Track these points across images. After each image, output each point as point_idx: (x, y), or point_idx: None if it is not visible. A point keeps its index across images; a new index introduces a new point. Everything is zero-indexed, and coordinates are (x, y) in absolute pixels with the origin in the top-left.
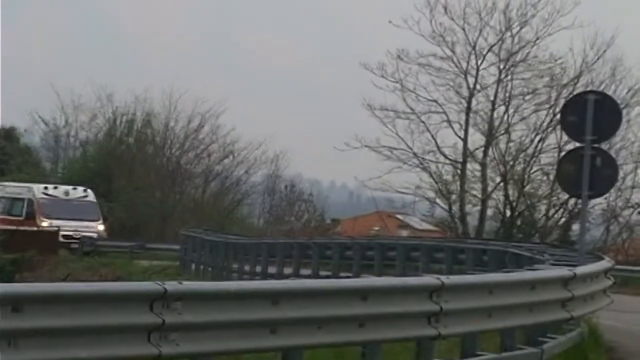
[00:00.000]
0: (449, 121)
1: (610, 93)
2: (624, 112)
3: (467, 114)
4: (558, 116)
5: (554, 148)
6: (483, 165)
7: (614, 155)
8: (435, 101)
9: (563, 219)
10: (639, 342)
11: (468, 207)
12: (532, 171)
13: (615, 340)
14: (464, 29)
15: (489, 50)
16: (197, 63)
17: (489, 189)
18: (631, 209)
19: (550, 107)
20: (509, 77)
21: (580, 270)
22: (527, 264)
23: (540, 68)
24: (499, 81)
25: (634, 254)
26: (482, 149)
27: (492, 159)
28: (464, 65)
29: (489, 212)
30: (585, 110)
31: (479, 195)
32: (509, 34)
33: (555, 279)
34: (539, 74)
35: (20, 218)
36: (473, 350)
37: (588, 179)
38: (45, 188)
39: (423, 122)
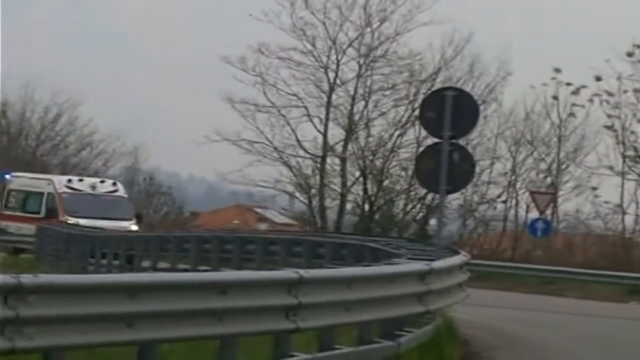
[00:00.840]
0: (309, 115)
1: (468, 89)
2: (481, 108)
3: (328, 109)
4: (417, 112)
5: (413, 143)
6: (343, 160)
7: (471, 151)
8: (296, 95)
9: (421, 214)
10: (493, 336)
11: (327, 201)
12: (391, 166)
13: (470, 334)
14: (324, 24)
15: (349, 45)
16: (55, 52)
17: (349, 183)
18: (487, 204)
19: (409, 103)
20: (369, 73)
21: (437, 264)
22: (385, 258)
23: (399, 64)
24: (359, 76)
25: (489, 248)
26: (342, 143)
27: (351, 154)
28: (325, 59)
29: (348, 206)
30: (443, 107)
31: (339, 190)
32: (369, 29)
33: (412, 273)
34: (399, 70)
35: (39, 215)
36: (331, 343)
37: (446, 175)
38: (69, 181)
39: (283, 116)
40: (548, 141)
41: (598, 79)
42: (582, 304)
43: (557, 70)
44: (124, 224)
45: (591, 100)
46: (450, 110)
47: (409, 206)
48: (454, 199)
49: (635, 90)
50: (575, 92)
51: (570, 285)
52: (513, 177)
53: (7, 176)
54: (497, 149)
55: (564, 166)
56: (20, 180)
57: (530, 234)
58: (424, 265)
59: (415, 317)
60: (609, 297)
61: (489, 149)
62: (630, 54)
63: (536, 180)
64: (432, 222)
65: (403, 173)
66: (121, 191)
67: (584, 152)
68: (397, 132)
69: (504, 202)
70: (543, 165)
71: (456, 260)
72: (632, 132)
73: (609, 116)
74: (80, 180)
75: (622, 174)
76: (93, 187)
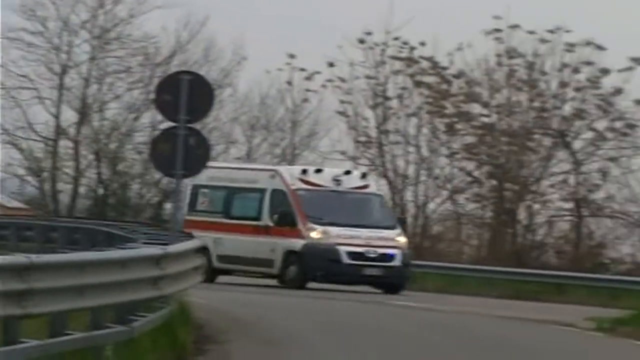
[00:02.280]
0: (40, 97)
1: (203, 73)
2: (217, 92)
3: (60, 91)
4: (152, 95)
5: (148, 127)
6: (76, 143)
7: (207, 136)
8: (26, 76)
9: (156, 198)
10: (226, 319)
11: (60, 185)
12: (125, 150)
13: (205, 318)
14: (55, 4)
15: (81, 27)
16: None
17: (82, 166)
18: None
19: (144, 86)
20: (103, 55)
21: (172, 248)
22: (119, 243)
23: (134, 46)
24: (92, 58)
25: None
26: (75, 126)
27: (85, 137)
28: (56, 41)
29: (82, 190)
30: (179, 90)
31: (72, 173)
32: (102, 11)
33: (147, 258)
34: (133, 53)
35: (259, 223)
36: (62, 329)
37: (182, 159)
38: (304, 172)
39: (13, 97)
40: (283, 126)
41: (331, 65)
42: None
43: (292, 56)
44: (388, 233)
45: (324, 86)
46: (185, 94)
47: (145, 190)
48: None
49: (367, 77)
50: (309, 78)
51: None
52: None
53: None
54: (232, 133)
55: (298, 151)
56: (221, 172)
57: None
58: (159, 249)
59: (149, 301)
60: None
61: (224, 133)
62: (361, 41)
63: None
64: (168, 206)
65: (138, 157)
66: (373, 186)
67: (317, 137)
68: (132, 116)
69: None
70: (278, 150)
71: (191, 245)
72: (364, 118)
73: (342, 102)
74: (318, 170)
75: (354, 159)
76: (337, 180)
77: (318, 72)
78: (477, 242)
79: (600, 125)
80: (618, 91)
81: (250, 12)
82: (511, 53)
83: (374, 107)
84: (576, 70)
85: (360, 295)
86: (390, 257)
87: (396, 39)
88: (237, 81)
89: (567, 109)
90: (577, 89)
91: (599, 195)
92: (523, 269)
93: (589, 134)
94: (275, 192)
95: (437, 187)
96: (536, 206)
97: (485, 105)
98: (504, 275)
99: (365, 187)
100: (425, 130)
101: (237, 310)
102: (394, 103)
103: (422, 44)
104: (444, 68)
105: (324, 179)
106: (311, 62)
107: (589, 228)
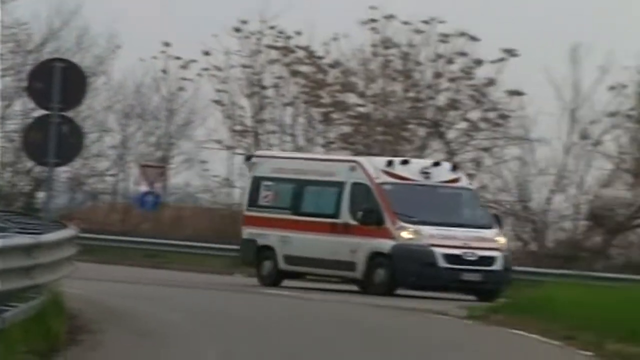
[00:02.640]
0: None
1: (76, 61)
2: (90, 80)
3: None
4: (24, 83)
5: (20, 115)
6: None
7: (80, 124)
8: None
9: (28, 187)
10: (98, 309)
11: None
12: None
13: (78, 308)
14: None
15: None
16: None
17: None
18: (96, 177)
19: (15, 74)
20: None
21: (45, 238)
22: None
23: (5, 33)
24: None
25: (98, 222)
26: None
27: None
28: None
29: None
30: (51, 78)
31: None
32: None
33: (18, 247)
34: (4, 40)
35: (337, 221)
36: None
37: (54, 147)
38: (389, 163)
39: None
40: (158, 115)
41: (206, 53)
42: (189, 276)
43: (167, 44)
44: (486, 233)
45: (200, 75)
46: (58, 82)
47: (16, 179)
48: (63, 172)
49: (243, 66)
50: (185, 67)
51: (176, 258)
52: (123, 151)
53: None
54: (106, 121)
55: (173, 140)
56: (278, 162)
57: (140, 208)
58: (31, 238)
59: (21, 291)
60: (216, 269)
61: (98, 121)
62: (237, 30)
63: (146, 153)
64: (41, 195)
65: (10, 145)
66: (464, 180)
67: (193, 125)
68: (4, 103)
69: (114, 175)
70: (153, 139)
71: (64, 234)
72: (240, 107)
73: (218, 91)
74: (405, 162)
75: (230, 148)
76: (426, 173)
77: (194, 61)
78: None
79: (474, 115)
80: (491, 82)
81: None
82: (386, 43)
83: (250, 96)
84: (450, 61)
85: (222, 283)
86: (491, 261)
87: (272, 28)
88: (112, 69)
89: (441, 99)
90: (451, 80)
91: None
92: None
93: (463, 124)
94: (356, 186)
95: None
96: None
97: (361, 95)
98: None
99: (456, 180)
100: (301, 120)
101: (111, 301)
102: (270, 92)
103: (298, 33)
104: (320, 58)
105: (412, 172)
106: (186, 51)
107: None
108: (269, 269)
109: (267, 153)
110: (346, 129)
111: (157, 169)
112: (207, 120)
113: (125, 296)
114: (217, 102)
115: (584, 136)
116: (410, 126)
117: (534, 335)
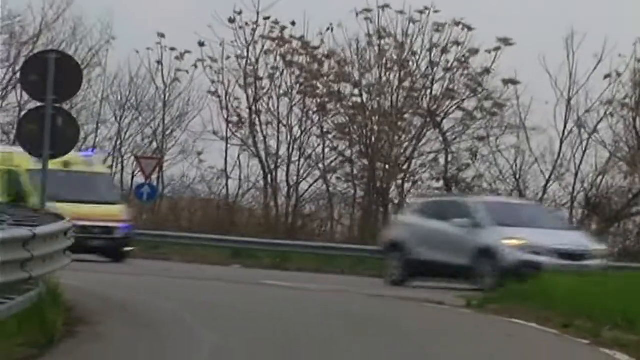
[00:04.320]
0: None
1: (71, 53)
2: (85, 72)
3: None
4: (18, 75)
5: (15, 107)
6: None
7: (75, 116)
8: None
9: None
10: (96, 301)
11: None
12: None
13: (75, 300)
14: None
15: None
16: None
17: None
18: None
19: (10, 66)
20: None
21: (41, 230)
22: None
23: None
24: None
25: None
26: None
27: None
28: None
29: None
30: (46, 70)
31: None
32: None
33: (14, 239)
34: None
35: None
36: None
37: (50, 139)
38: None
39: None
40: (153, 106)
41: (201, 44)
42: (189, 267)
43: (161, 35)
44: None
45: (195, 66)
46: (53, 74)
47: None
48: None
49: (238, 57)
50: (180, 58)
51: (176, 249)
52: (119, 142)
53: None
54: (102, 113)
55: (169, 131)
56: None
57: (136, 199)
58: (27, 231)
59: (17, 284)
60: (214, 261)
61: (94, 113)
62: (232, 20)
63: (142, 145)
64: None
65: (5, 138)
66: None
67: (189, 117)
68: None
69: (110, 167)
70: (149, 130)
71: (60, 226)
72: (236, 98)
73: (213, 82)
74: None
75: (226, 139)
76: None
77: (188, 52)
78: (349, 222)
79: (470, 105)
80: (486, 71)
81: None
82: (381, 33)
83: (245, 87)
84: (445, 50)
85: (221, 274)
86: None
87: (267, 18)
88: (106, 60)
89: (437, 88)
90: (447, 69)
91: (468, 174)
92: None
93: (459, 114)
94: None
95: (309, 166)
96: (407, 185)
97: (356, 85)
98: (376, 254)
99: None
100: (296, 110)
101: (109, 293)
102: (265, 83)
103: (293, 23)
104: (315, 48)
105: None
106: (181, 42)
107: None
108: None
109: None
110: (342, 119)
111: (153, 160)
112: (202, 111)
113: (125, 288)
114: (213, 93)
115: (580, 125)
116: (406, 116)
117: (531, 324)
